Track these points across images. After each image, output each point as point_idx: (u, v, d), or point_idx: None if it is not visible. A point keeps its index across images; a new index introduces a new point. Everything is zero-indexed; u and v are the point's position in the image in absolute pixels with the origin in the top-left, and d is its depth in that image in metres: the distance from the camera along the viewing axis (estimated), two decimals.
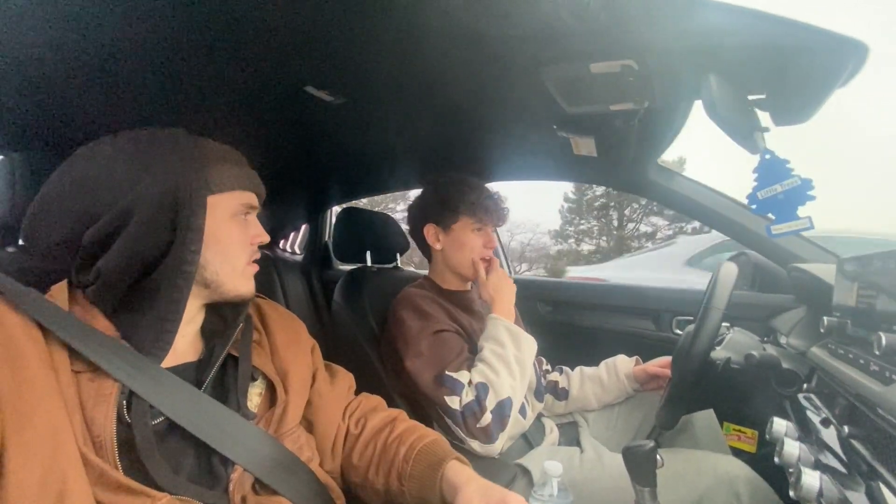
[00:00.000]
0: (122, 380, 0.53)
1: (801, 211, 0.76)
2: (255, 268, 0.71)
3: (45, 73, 0.80)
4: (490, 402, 0.97)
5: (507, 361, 1.02)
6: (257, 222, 0.71)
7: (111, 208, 0.56)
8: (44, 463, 0.45)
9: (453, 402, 0.98)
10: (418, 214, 1.23)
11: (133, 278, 0.57)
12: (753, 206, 0.79)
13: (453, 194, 1.17)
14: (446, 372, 1.01)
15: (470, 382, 1.00)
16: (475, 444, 0.96)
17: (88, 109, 0.94)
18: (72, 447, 0.48)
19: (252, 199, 0.70)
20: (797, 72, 0.66)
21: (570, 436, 1.24)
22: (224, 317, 0.69)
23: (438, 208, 1.19)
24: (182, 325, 0.61)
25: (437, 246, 1.20)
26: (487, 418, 0.96)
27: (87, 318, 0.57)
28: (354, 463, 0.76)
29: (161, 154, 0.59)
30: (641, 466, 0.70)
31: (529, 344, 1.09)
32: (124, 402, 0.54)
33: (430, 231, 1.21)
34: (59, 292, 0.57)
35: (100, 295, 0.57)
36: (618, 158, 1.21)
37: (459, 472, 0.67)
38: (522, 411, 1.10)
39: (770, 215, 0.79)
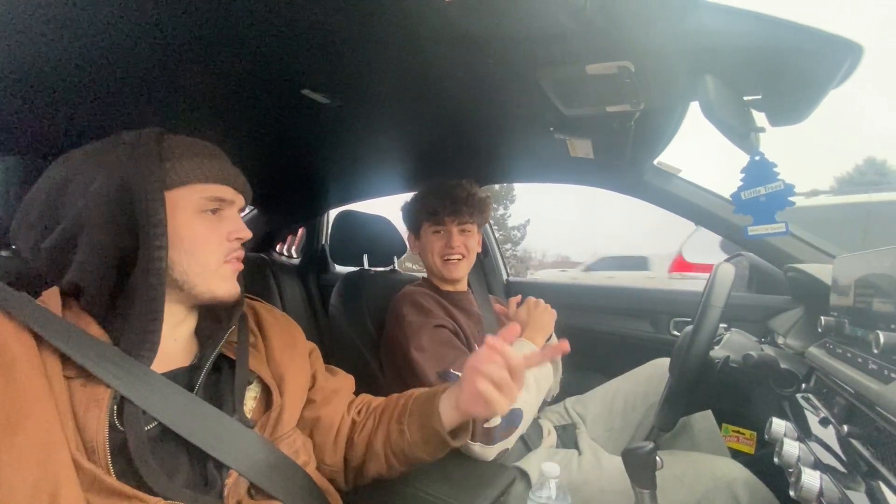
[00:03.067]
0: (113, 384, 0.53)
1: (780, 215, 0.77)
2: (235, 267, 0.66)
3: (40, 77, 0.79)
4: None
5: (526, 377, 1.03)
6: (236, 217, 0.67)
7: (69, 212, 0.56)
8: (36, 469, 0.45)
9: None
10: (405, 225, 1.31)
11: (110, 281, 0.57)
12: (735, 206, 0.81)
13: (414, 201, 1.24)
14: (451, 370, 1.01)
15: None
16: (475, 447, 0.95)
17: (83, 113, 0.94)
18: (64, 453, 0.48)
19: (224, 192, 0.65)
20: (793, 72, 0.66)
21: (568, 438, 1.23)
22: (220, 320, 0.68)
23: (410, 216, 1.27)
24: (171, 328, 0.61)
25: (415, 252, 1.27)
26: (496, 420, 0.95)
27: (80, 324, 0.56)
28: (356, 441, 0.76)
29: (117, 153, 0.58)
30: (641, 469, 0.70)
31: (548, 371, 1.13)
32: (115, 406, 0.54)
33: (410, 239, 1.29)
34: (50, 297, 0.56)
35: (88, 302, 0.57)
36: (614, 160, 1.21)
37: (457, 389, 0.68)
38: None
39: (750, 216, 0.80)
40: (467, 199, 1.21)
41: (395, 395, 0.81)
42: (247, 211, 2.08)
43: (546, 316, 1.17)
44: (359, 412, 0.79)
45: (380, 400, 0.83)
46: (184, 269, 0.61)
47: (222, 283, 0.64)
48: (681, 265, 3.60)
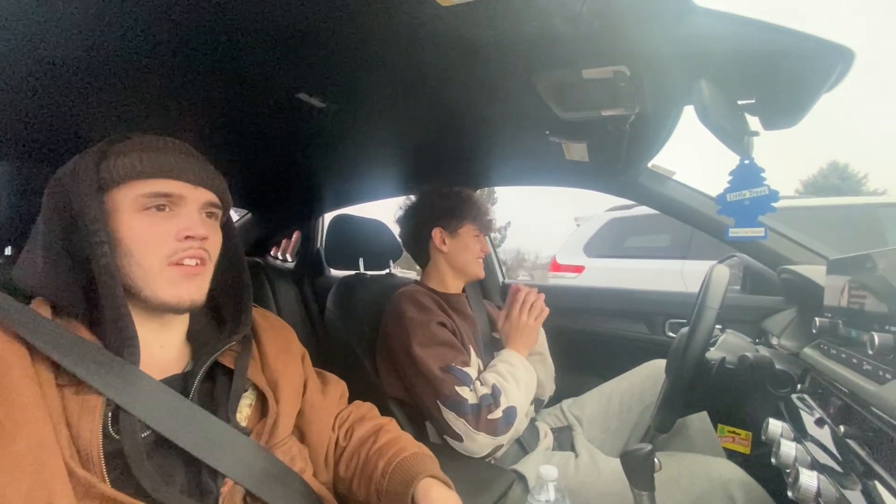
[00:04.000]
0: (104, 391, 0.52)
1: (761, 219, 0.80)
2: (187, 270, 0.60)
3: (33, 83, 0.78)
4: (503, 402, 1.00)
5: (517, 378, 1.08)
6: (191, 214, 0.61)
7: (37, 224, 0.58)
8: (29, 478, 0.45)
9: (464, 392, 0.99)
10: (426, 218, 1.28)
11: (82, 285, 0.57)
12: (720, 207, 0.83)
13: (461, 202, 1.26)
14: (454, 364, 1.03)
15: (479, 381, 1.04)
16: (479, 437, 0.97)
17: (76, 119, 0.93)
18: (58, 461, 0.47)
19: (169, 186, 0.59)
20: (785, 77, 0.67)
21: (565, 440, 1.24)
22: (220, 324, 0.67)
23: (446, 213, 1.25)
24: (151, 333, 0.61)
25: (444, 248, 1.26)
26: (499, 413, 0.99)
27: (71, 329, 0.56)
28: (341, 475, 0.74)
29: (75, 158, 0.59)
30: (640, 470, 0.70)
31: (534, 377, 1.16)
32: (110, 414, 0.53)
33: (437, 234, 1.26)
34: (40, 304, 0.56)
35: (65, 309, 0.57)
36: (609, 163, 1.22)
37: (428, 491, 0.64)
38: None
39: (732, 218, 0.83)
40: (492, 211, 1.33)
41: (375, 430, 0.77)
42: (241, 215, 2.08)
43: (533, 331, 1.21)
44: (344, 433, 0.77)
45: (365, 422, 0.79)
46: (127, 273, 0.57)
47: (169, 287, 0.59)
48: (555, 266, 3.88)
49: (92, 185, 0.56)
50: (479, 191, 1.59)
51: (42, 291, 0.56)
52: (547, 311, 1.23)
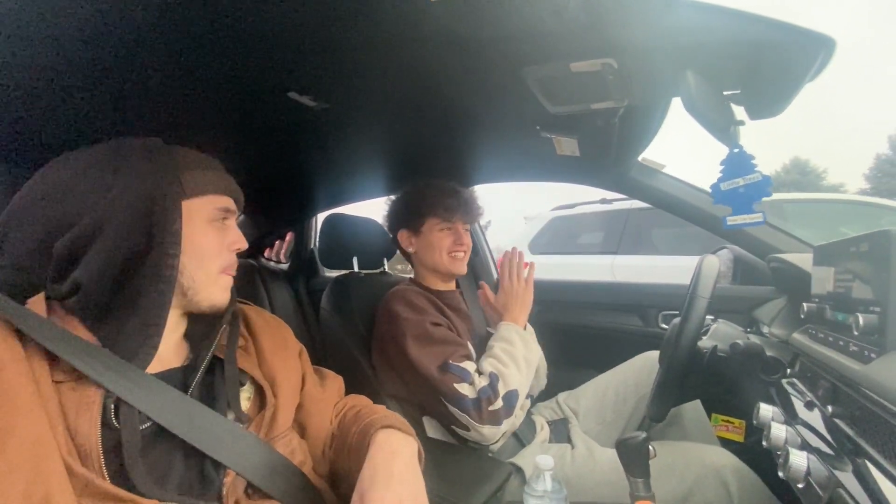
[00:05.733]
0: (106, 385, 0.52)
1: (757, 206, 0.80)
2: (230, 277, 0.68)
3: (20, 83, 0.78)
4: (501, 390, 1.00)
5: (516, 358, 1.07)
6: (236, 229, 0.70)
7: (83, 217, 0.55)
8: (27, 475, 0.45)
9: (463, 388, 0.99)
10: (391, 223, 1.30)
11: (114, 286, 0.56)
12: (714, 197, 0.83)
13: (417, 198, 1.24)
14: (450, 361, 1.03)
15: (477, 371, 1.04)
16: (484, 429, 0.97)
17: (66, 119, 0.92)
18: (55, 458, 0.47)
19: (229, 203, 0.68)
20: (770, 67, 0.68)
21: (561, 432, 1.25)
22: (211, 322, 0.68)
23: (406, 213, 1.26)
24: (166, 332, 0.60)
25: (411, 249, 1.26)
26: (499, 403, 0.99)
27: (67, 328, 0.55)
28: (330, 458, 0.75)
29: (133, 160, 0.59)
30: (634, 458, 0.71)
31: (536, 348, 1.15)
32: (112, 406, 0.53)
33: (402, 236, 1.27)
34: (35, 304, 0.56)
35: (81, 304, 0.56)
36: (600, 157, 1.23)
37: (379, 435, 0.66)
38: None
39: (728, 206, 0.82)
40: (472, 199, 1.28)
41: (358, 409, 0.79)
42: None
43: (527, 293, 1.21)
44: (338, 425, 0.78)
45: (354, 409, 0.80)
46: (191, 275, 0.62)
47: (220, 292, 0.66)
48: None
49: (179, 196, 0.60)
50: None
51: (76, 281, 0.56)
52: (533, 267, 1.24)
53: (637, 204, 3.51)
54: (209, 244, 0.64)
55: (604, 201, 3.81)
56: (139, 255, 0.56)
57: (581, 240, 3.92)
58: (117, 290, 0.56)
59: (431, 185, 1.26)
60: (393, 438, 0.66)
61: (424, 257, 1.25)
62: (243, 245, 0.69)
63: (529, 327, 1.22)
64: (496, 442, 1.02)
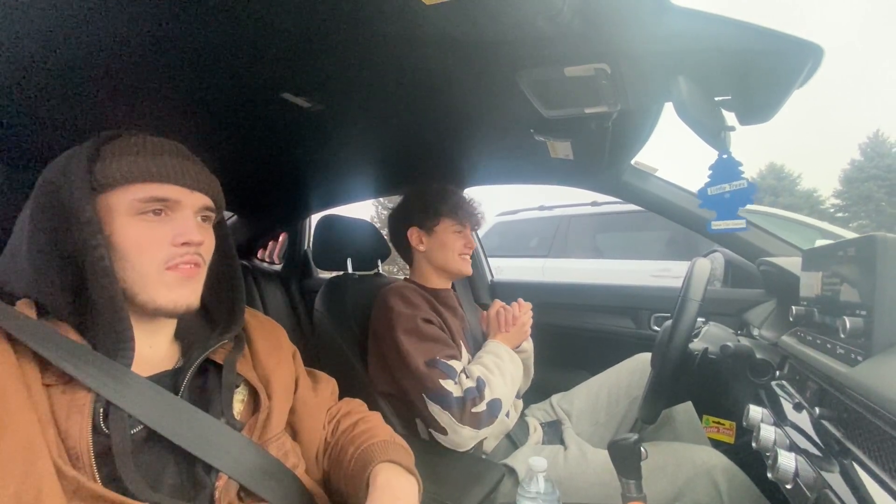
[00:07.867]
0: (95, 388, 0.52)
1: (741, 212, 0.82)
2: (184, 273, 0.60)
3: (18, 85, 0.77)
4: (487, 395, 1.01)
5: (503, 370, 1.09)
6: (187, 219, 0.60)
7: (18, 223, 0.57)
8: (17, 478, 0.44)
9: (449, 385, 1.00)
10: (402, 218, 1.30)
11: (64, 285, 0.55)
12: (701, 201, 0.85)
13: (435, 199, 1.25)
14: (438, 358, 1.03)
15: (465, 373, 1.04)
16: (464, 431, 0.97)
17: (61, 120, 0.92)
18: (46, 461, 0.47)
19: (165, 191, 0.59)
20: (760, 74, 0.69)
21: (554, 434, 1.25)
22: (210, 322, 0.67)
23: (421, 212, 1.26)
24: (144, 335, 0.60)
25: (421, 248, 1.27)
26: (483, 406, 0.99)
27: (58, 330, 0.55)
28: (325, 468, 0.75)
29: (56, 161, 0.58)
30: (626, 459, 0.72)
31: (520, 368, 1.18)
32: (101, 409, 0.53)
33: (413, 234, 1.27)
34: (25, 306, 0.55)
35: (52, 310, 0.56)
36: (593, 161, 1.24)
37: (379, 474, 0.64)
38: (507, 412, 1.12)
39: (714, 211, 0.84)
40: (479, 206, 1.33)
41: (355, 422, 0.78)
42: (226, 217, 2.06)
43: (522, 330, 1.25)
44: (332, 431, 0.77)
45: (350, 417, 0.80)
46: (123, 277, 0.57)
47: (166, 291, 0.58)
48: None
49: (85, 186, 0.55)
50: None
51: (28, 293, 0.55)
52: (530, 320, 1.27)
53: (578, 211, 3.86)
54: (133, 240, 0.57)
55: (542, 208, 4.04)
56: (76, 257, 0.55)
57: (518, 243, 4.13)
58: (74, 289, 0.56)
59: (449, 189, 1.29)
60: (395, 482, 0.64)
61: (435, 256, 1.26)
62: (191, 237, 0.59)
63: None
64: (470, 449, 1.02)
